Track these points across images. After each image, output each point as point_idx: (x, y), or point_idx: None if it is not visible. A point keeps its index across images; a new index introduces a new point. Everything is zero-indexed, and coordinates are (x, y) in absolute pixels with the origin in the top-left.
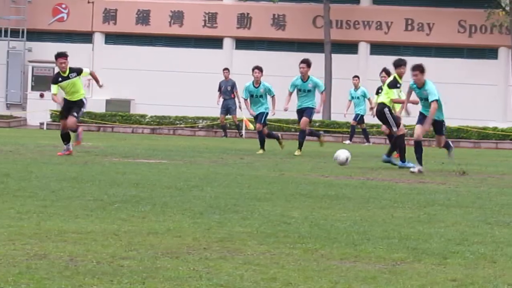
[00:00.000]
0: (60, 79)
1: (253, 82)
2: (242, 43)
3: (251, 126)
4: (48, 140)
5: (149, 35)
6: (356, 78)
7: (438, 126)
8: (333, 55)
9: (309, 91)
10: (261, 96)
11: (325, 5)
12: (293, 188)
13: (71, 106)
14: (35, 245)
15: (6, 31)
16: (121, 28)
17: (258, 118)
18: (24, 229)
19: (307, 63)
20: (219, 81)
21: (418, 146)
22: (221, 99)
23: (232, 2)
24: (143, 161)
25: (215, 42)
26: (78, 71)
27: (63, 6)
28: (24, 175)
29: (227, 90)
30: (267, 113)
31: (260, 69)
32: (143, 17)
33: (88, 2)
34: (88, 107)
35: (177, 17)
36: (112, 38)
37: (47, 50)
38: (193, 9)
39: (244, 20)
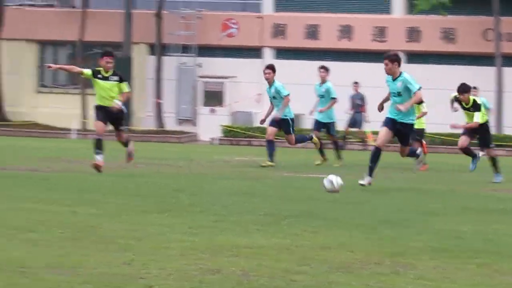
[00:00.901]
0: (99, 75)
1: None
2: (412, 57)
3: (372, 142)
4: (219, 155)
5: (318, 49)
6: None
7: (406, 130)
8: (504, 68)
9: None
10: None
11: (495, 18)
12: (464, 202)
13: (110, 115)
14: (208, 260)
15: (177, 47)
16: (290, 43)
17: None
18: (196, 244)
19: (272, 68)
20: (350, 94)
21: (375, 154)
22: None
23: (401, 16)
24: (314, 175)
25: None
26: (121, 78)
27: (233, 21)
28: (195, 190)
29: (356, 103)
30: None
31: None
32: (312, 31)
33: (258, 17)
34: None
35: (346, 31)
36: (282, 53)
37: (217, 66)
38: (361, 23)
39: (413, 33)
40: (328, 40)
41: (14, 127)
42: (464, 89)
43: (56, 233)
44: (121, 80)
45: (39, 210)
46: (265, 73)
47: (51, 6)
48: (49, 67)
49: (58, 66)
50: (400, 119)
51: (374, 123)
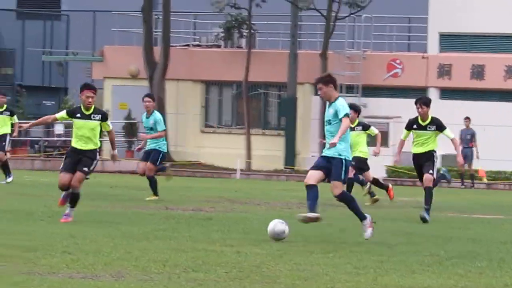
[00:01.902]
0: (78, 114)
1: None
2: None
3: (485, 179)
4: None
5: (484, 89)
6: None
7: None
8: None
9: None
10: None
11: None
12: None
13: (81, 158)
14: None
15: (341, 86)
16: (455, 83)
17: None
18: (361, 284)
19: (151, 97)
20: (460, 130)
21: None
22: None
23: None
24: (478, 216)
25: None
26: (103, 116)
27: (398, 61)
28: (359, 230)
29: (466, 138)
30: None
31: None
32: (478, 71)
33: (423, 58)
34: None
35: None
36: (446, 93)
37: (381, 106)
38: None
39: None
40: (494, 80)
41: (178, 167)
42: None
43: (221, 273)
44: (103, 118)
45: (203, 250)
46: (144, 102)
47: (217, 46)
48: (20, 126)
49: (29, 124)
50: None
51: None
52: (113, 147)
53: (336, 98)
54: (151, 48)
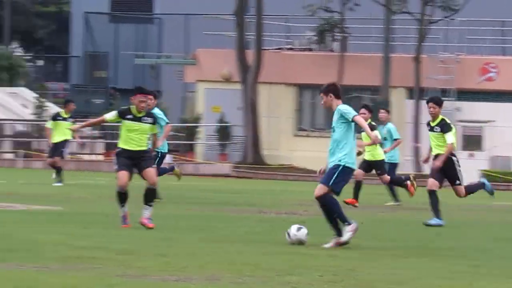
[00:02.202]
0: (129, 116)
1: None
2: None
3: None
4: (478, 200)
5: None
6: None
7: None
8: None
9: None
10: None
11: None
12: None
13: (140, 157)
14: None
15: (435, 90)
16: None
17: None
18: None
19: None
20: None
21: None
22: None
23: None
24: None
25: None
26: (155, 120)
27: (492, 65)
28: (455, 234)
29: None
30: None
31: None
32: None
33: None
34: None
35: None
36: None
37: (475, 110)
38: None
39: None
40: None
41: (271, 171)
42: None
43: (315, 276)
44: (155, 122)
45: (297, 253)
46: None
47: (309, 49)
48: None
49: (80, 125)
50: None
51: None
52: (153, 147)
53: (337, 106)
54: (243, 52)
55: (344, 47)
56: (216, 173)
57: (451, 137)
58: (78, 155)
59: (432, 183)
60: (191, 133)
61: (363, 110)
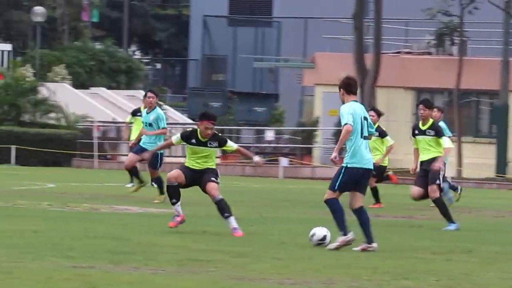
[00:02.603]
0: (193, 140)
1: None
2: None
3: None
4: None
5: None
6: None
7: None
8: None
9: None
10: None
11: None
12: None
13: (201, 174)
14: None
15: None
16: None
17: None
18: None
19: (155, 93)
20: None
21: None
22: None
23: None
24: None
25: None
26: (220, 143)
27: None
28: None
29: None
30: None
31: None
32: None
33: None
34: None
35: None
36: None
37: None
38: None
39: None
40: None
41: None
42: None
43: (431, 281)
44: (221, 144)
45: (413, 257)
46: (148, 97)
47: (428, 53)
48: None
49: (151, 152)
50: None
51: None
52: (249, 157)
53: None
54: (362, 55)
55: (463, 51)
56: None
57: (448, 141)
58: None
59: (417, 191)
60: (308, 136)
61: (371, 113)
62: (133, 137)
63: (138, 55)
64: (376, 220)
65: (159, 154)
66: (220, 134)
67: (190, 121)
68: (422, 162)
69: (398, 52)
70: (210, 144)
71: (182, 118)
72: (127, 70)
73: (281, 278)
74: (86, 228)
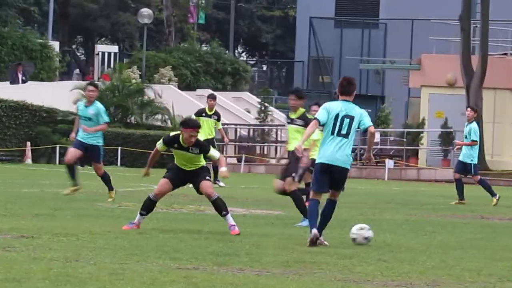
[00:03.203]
0: (176, 145)
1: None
2: None
3: None
4: None
5: None
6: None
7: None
8: None
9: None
10: None
11: None
12: None
13: (190, 174)
14: None
15: None
16: None
17: None
18: None
19: (96, 86)
20: None
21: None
22: None
23: None
24: None
25: None
26: (201, 149)
27: None
28: None
29: None
30: None
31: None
32: None
33: None
34: None
35: None
36: None
37: None
38: None
39: None
40: None
41: (494, 176)
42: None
43: None
44: (203, 151)
45: None
46: (88, 90)
47: None
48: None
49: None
50: None
51: None
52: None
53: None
54: (468, 57)
55: None
56: (439, 179)
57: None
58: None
59: (279, 184)
60: (414, 138)
61: (314, 107)
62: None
63: (244, 56)
64: (482, 222)
65: (99, 148)
66: (202, 142)
67: None
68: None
69: (505, 54)
70: (191, 149)
71: None
72: (233, 72)
73: (385, 280)
74: (191, 230)
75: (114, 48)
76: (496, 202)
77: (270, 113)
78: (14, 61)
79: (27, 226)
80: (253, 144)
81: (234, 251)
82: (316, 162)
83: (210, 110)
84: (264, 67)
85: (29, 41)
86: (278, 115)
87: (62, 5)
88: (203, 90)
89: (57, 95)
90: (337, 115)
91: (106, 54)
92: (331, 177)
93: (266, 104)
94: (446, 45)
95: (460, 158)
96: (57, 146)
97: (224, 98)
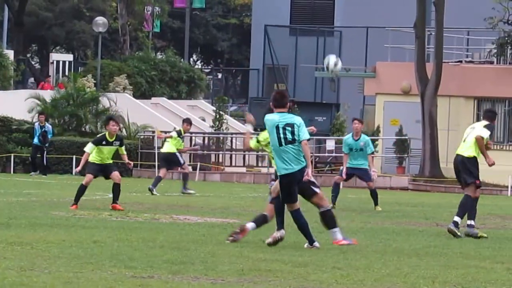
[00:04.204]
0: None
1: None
2: None
3: None
4: None
5: None
6: None
7: None
8: None
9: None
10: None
11: None
12: None
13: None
14: None
15: None
16: None
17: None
18: None
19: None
20: None
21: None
22: None
23: None
24: None
25: None
26: (121, 142)
27: None
28: None
29: None
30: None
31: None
32: None
33: None
34: None
35: None
36: None
37: None
38: None
39: None
40: None
41: (449, 184)
42: None
43: None
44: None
45: (474, 267)
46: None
47: (490, 62)
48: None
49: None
50: None
51: None
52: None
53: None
54: (423, 64)
55: None
56: (394, 186)
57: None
58: (255, 167)
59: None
60: None
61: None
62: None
63: (199, 65)
64: (437, 230)
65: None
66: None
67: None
68: None
69: (460, 61)
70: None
71: (244, 128)
72: (188, 80)
73: (340, 287)
74: (146, 238)
75: (69, 57)
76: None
77: (225, 121)
78: None
79: None
80: (208, 152)
81: (189, 259)
82: (279, 175)
83: (185, 132)
84: (219, 75)
85: None
86: (233, 123)
87: (17, 13)
88: (158, 98)
89: (11, 104)
90: (277, 126)
91: (61, 63)
92: (297, 185)
93: (221, 112)
94: (401, 52)
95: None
96: (12, 155)
97: (179, 106)
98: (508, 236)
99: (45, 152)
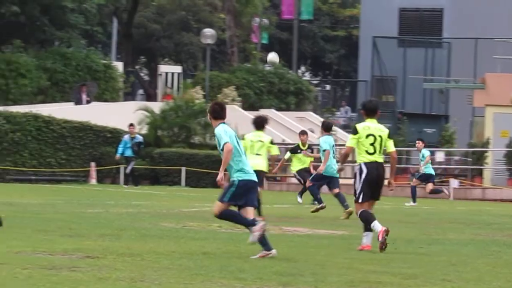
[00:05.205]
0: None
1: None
2: None
3: None
4: None
5: None
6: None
7: None
8: None
9: None
10: None
11: None
12: None
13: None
14: None
15: None
16: None
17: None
18: None
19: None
20: None
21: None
22: None
23: None
24: None
25: None
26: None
27: None
28: None
29: None
30: None
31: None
32: None
33: None
34: None
35: None
36: None
37: None
38: None
39: None
40: None
41: None
42: None
43: None
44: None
45: None
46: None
47: None
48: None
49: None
50: None
51: None
52: None
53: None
54: None
55: None
56: (504, 198)
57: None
58: None
59: None
60: (479, 157)
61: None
62: (296, 168)
63: (307, 76)
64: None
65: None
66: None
67: None
68: None
69: None
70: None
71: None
72: (296, 92)
73: None
74: (256, 249)
75: (177, 69)
76: None
77: (334, 132)
78: (78, 81)
79: (92, 246)
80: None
81: (299, 271)
82: (241, 180)
83: (303, 145)
84: (327, 87)
85: (93, 62)
86: (341, 135)
87: (126, 25)
88: (266, 110)
89: (121, 115)
90: (234, 136)
91: (169, 75)
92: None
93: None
94: (510, 64)
95: None
96: (121, 167)
97: (287, 118)
98: None
99: (134, 162)
